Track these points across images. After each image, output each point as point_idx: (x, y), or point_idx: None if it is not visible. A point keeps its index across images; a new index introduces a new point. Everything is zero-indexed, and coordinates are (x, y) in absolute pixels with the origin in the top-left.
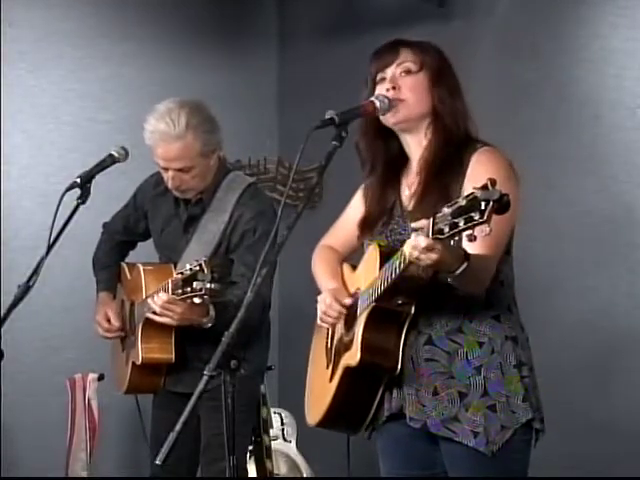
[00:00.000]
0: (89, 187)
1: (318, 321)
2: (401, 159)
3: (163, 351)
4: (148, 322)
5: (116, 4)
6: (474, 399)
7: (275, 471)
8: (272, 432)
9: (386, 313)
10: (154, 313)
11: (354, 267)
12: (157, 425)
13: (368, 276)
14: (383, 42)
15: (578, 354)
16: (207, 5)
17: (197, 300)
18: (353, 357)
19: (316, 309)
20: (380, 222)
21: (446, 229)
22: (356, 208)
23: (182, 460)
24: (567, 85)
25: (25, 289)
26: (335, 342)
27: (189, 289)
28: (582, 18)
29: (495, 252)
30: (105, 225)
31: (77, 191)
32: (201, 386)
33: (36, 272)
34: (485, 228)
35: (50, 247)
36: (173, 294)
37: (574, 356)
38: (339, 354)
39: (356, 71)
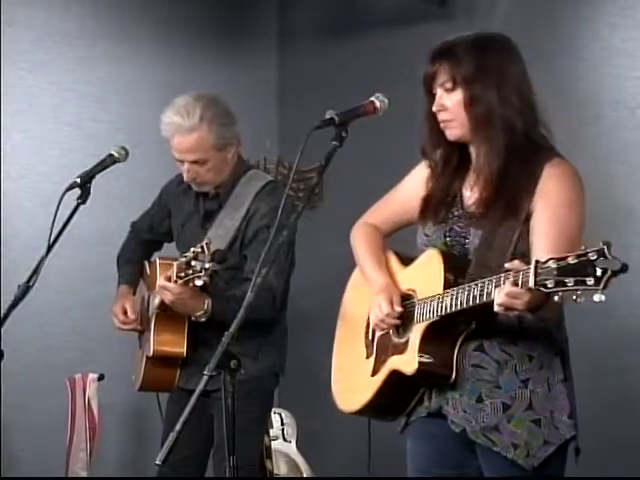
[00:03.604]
0: (89, 187)
1: (372, 323)
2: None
3: (175, 344)
4: (161, 314)
5: (116, 4)
6: (517, 412)
7: (275, 471)
8: (272, 432)
9: (445, 326)
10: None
11: (400, 257)
12: (169, 423)
13: (427, 282)
14: (383, 42)
15: (577, 355)
16: (207, 5)
17: (198, 282)
18: (408, 365)
19: (315, 308)
20: (443, 208)
21: (550, 284)
22: (413, 187)
23: (191, 460)
24: (567, 85)
25: (25, 289)
26: (378, 335)
27: (190, 271)
28: (582, 18)
29: None
30: (132, 224)
31: (77, 191)
32: (201, 386)
33: (36, 272)
34: (600, 296)
35: (50, 247)
36: (177, 277)
37: (573, 356)
38: (385, 350)
39: (356, 71)
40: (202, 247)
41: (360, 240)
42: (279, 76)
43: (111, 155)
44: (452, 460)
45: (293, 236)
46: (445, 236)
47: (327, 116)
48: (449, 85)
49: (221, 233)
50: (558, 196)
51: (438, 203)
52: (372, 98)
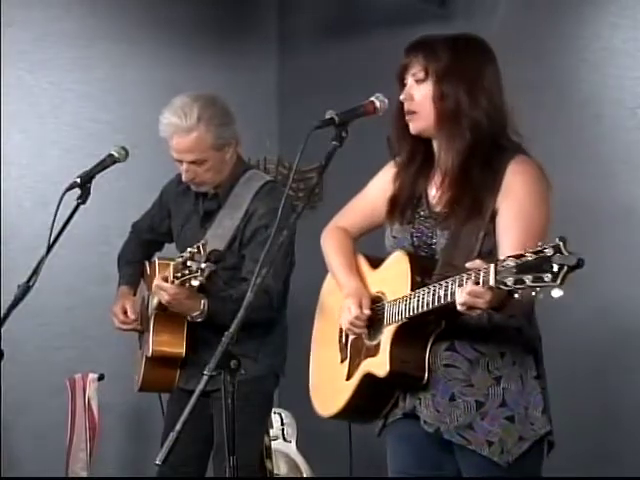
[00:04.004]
0: (89, 187)
1: (343, 327)
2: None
3: (173, 345)
4: (160, 315)
5: (115, 4)
6: (491, 409)
7: (275, 471)
8: (272, 432)
9: (415, 326)
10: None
11: (369, 260)
12: (170, 423)
13: (395, 284)
14: (383, 42)
15: (578, 354)
16: (207, 5)
17: (194, 283)
18: (380, 368)
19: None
20: (409, 209)
21: (509, 282)
22: (380, 188)
23: (191, 460)
24: (568, 85)
25: (25, 289)
26: (352, 339)
27: (187, 271)
28: (583, 18)
29: None
30: (133, 224)
31: (77, 191)
32: (201, 386)
33: (36, 272)
34: (558, 292)
35: (50, 247)
36: (174, 277)
37: (574, 356)
38: (358, 354)
39: (356, 71)
40: (198, 247)
41: (330, 245)
42: (279, 77)
43: (111, 155)
44: (429, 460)
45: (292, 236)
46: (412, 237)
47: (327, 116)
48: (421, 75)
49: (220, 233)
50: (523, 192)
51: (404, 203)
52: (372, 98)
